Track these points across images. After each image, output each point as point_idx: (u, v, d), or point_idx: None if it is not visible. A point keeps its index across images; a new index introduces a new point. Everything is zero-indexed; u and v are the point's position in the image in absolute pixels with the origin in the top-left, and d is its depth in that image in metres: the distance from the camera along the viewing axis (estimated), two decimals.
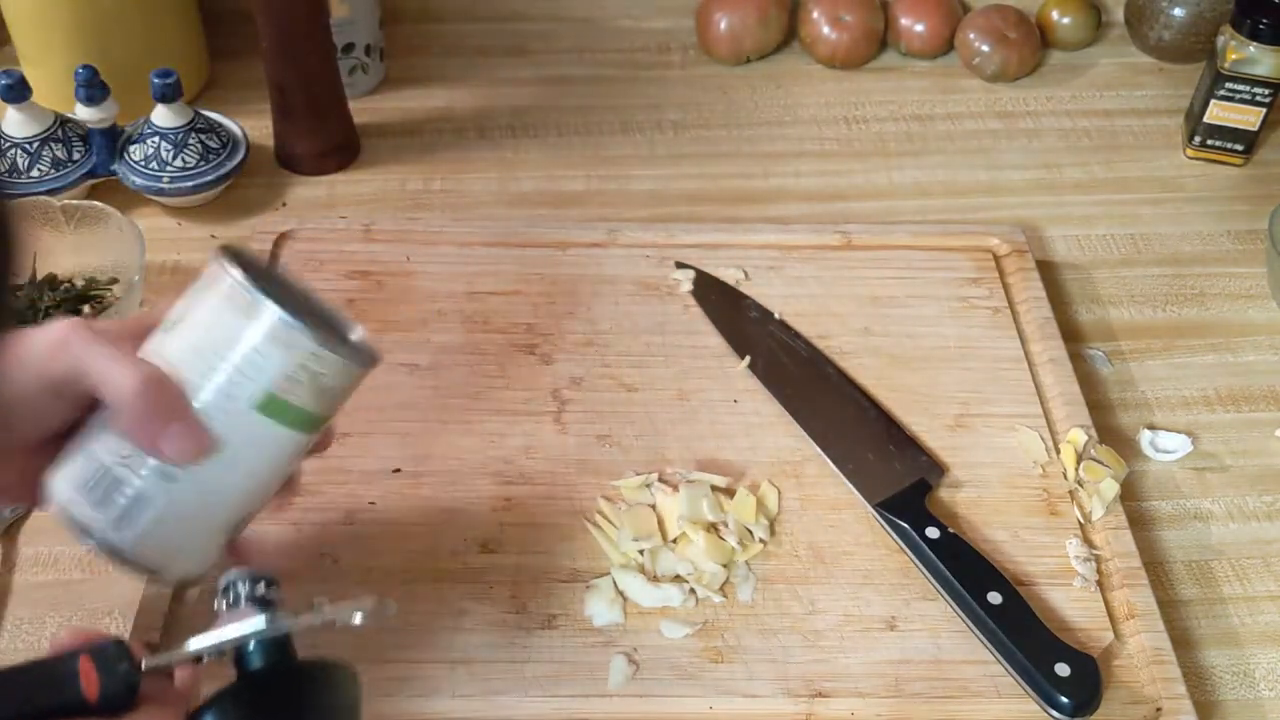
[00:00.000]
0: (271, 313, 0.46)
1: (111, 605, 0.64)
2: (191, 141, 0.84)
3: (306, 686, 0.45)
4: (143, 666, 0.41)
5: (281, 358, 0.46)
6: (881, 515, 0.67)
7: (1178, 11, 1.01)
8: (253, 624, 0.44)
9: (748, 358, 0.75)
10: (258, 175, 0.90)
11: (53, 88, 0.89)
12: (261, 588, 0.46)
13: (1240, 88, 0.91)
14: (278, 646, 0.45)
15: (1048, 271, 0.85)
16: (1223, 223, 0.91)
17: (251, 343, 0.46)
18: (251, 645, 0.44)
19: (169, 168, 0.84)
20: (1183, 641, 0.64)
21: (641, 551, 0.64)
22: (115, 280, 0.78)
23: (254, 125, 0.91)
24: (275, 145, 0.92)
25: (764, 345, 0.76)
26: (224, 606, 0.46)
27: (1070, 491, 0.69)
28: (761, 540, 0.66)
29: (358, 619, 0.46)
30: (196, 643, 0.44)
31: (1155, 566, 0.68)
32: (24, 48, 0.92)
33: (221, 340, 0.46)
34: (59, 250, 0.78)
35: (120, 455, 0.46)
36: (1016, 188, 0.93)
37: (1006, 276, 0.82)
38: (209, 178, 0.85)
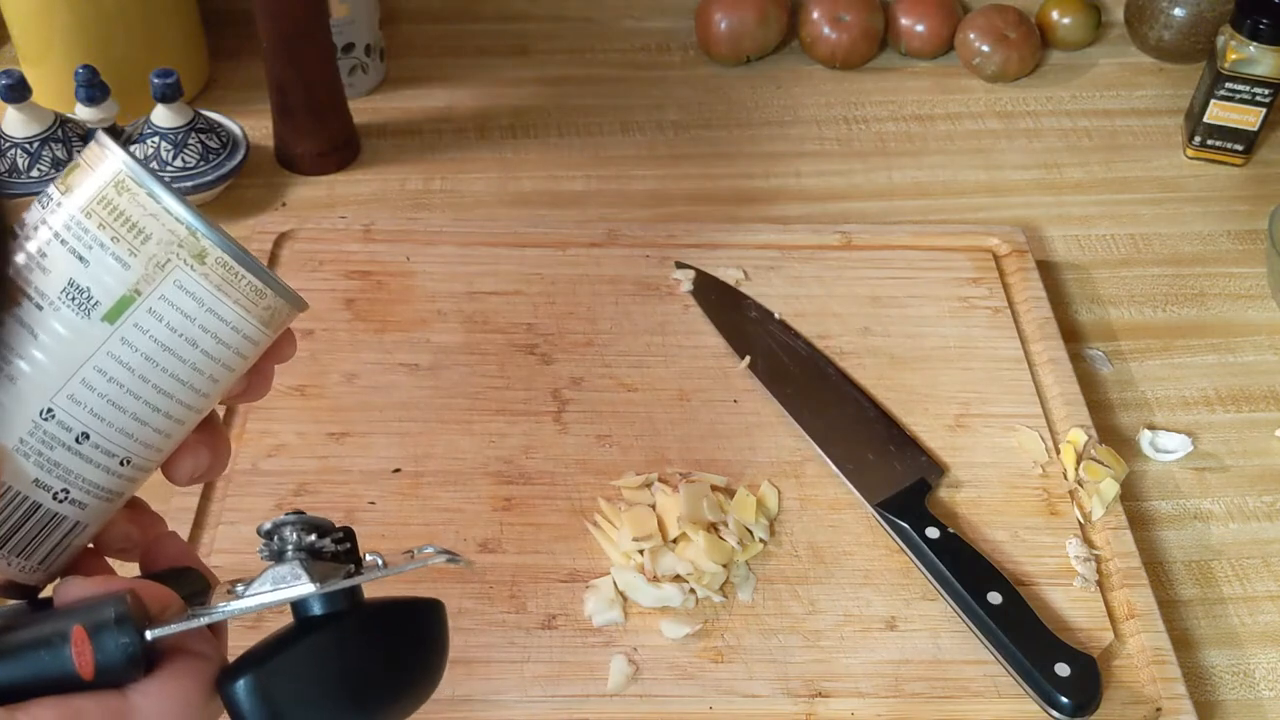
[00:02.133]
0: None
1: None
2: (191, 141, 0.84)
3: (381, 640, 0.37)
4: (149, 637, 0.34)
5: None
6: (881, 515, 0.67)
7: (1178, 11, 1.01)
8: (296, 588, 0.35)
9: (748, 358, 0.75)
10: (258, 175, 0.90)
11: (53, 88, 0.89)
12: (315, 539, 0.36)
13: (1240, 88, 0.91)
14: (343, 591, 0.36)
15: (1048, 271, 0.85)
16: (1223, 223, 0.91)
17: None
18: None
19: (169, 168, 0.84)
20: (1183, 641, 0.64)
21: (641, 551, 0.64)
22: None
23: (254, 125, 0.91)
24: (275, 145, 0.92)
25: (764, 345, 0.76)
26: (266, 555, 0.37)
27: (1070, 491, 0.69)
28: (761, 540, 0.66)
29: (440, 561, 0.38)
30: (224, 609, 0.36)
31: (1155, 566, 0.68)
32: (24, 48, 0.92)
33: None
34: None
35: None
36: (1016, 188, 0.93)
37: (1006, 276, 0.82)
38: (209, 178, 0.85)
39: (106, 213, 0.36)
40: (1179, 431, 0.75)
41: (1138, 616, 0.63)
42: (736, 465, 0.70)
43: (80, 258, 0.35)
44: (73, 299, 0.35)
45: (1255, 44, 0.89)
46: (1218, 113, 0.93)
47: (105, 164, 0.36)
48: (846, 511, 0.68)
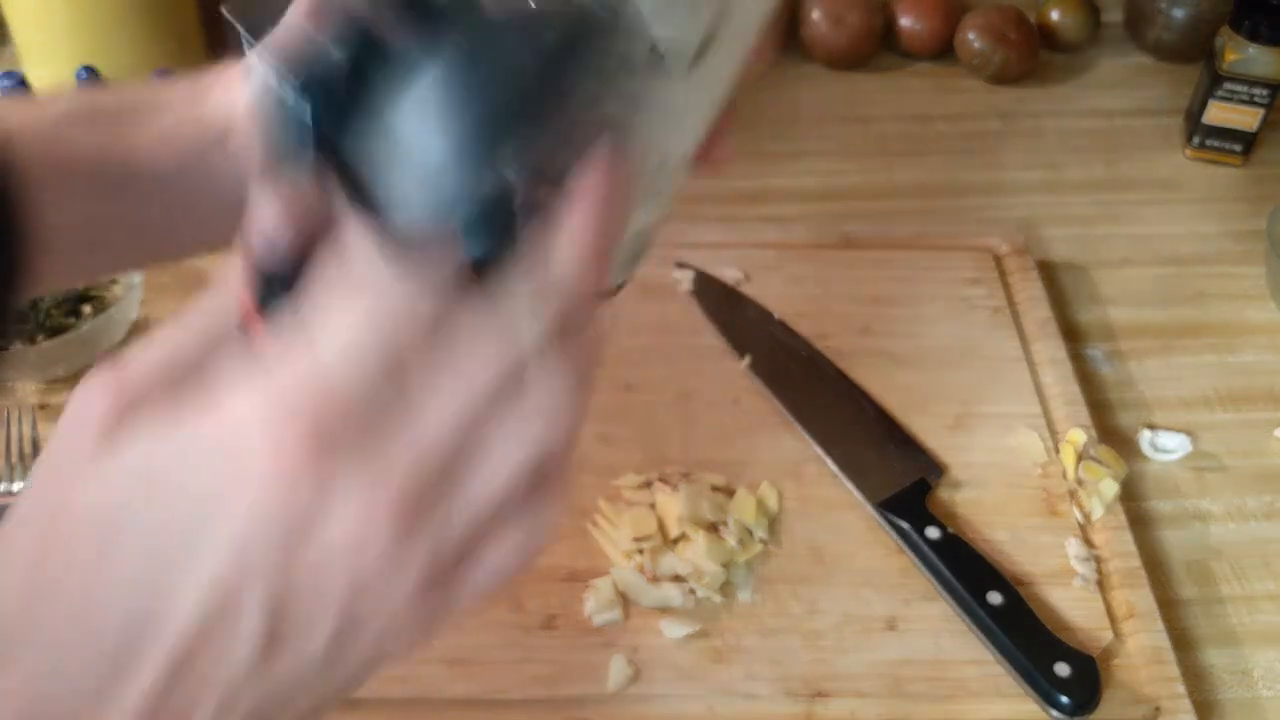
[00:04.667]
0: None
1: None
2: None
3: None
4: None
5: None
6: (882, 515, 0.67)
7: (1177, 12, 1.01)
8: None
9: (748, 358, 0.75)
10: None
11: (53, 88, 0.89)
12: None
13: (1238, 88, 0.91)
14: None
15: (1048, 271, 0.85)
16: (1222, 223, 0.91)
17: None
18: None
19: None
20: (1182, 641, 0.64)
21: (641, 551, 0.64)
22: (115, 280, 0.78)
23: None
24: None
25: (764, 345, 0.76)
26: None
27: (1070, 491, 0.69)
28: (761, 540, 0.66)
29: None
30: None
31: (1155, 566, 0.68)
32: (24, 48, 0.92)
33: None
34: None
35: None
36: (1016, 188, 0.94)
37: (1006, 276, 0.83)
38: None
39: None
40: (1179, 431, 0.75)
41: (1137, 616, 0.63)
42: (736, 465, 0.70)
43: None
44: (664, 58, 0.34)
45: (1254, 45, 0.90)
46: (1216, 113, 0.93)
47: None
48: (846, 511, 0.68)
